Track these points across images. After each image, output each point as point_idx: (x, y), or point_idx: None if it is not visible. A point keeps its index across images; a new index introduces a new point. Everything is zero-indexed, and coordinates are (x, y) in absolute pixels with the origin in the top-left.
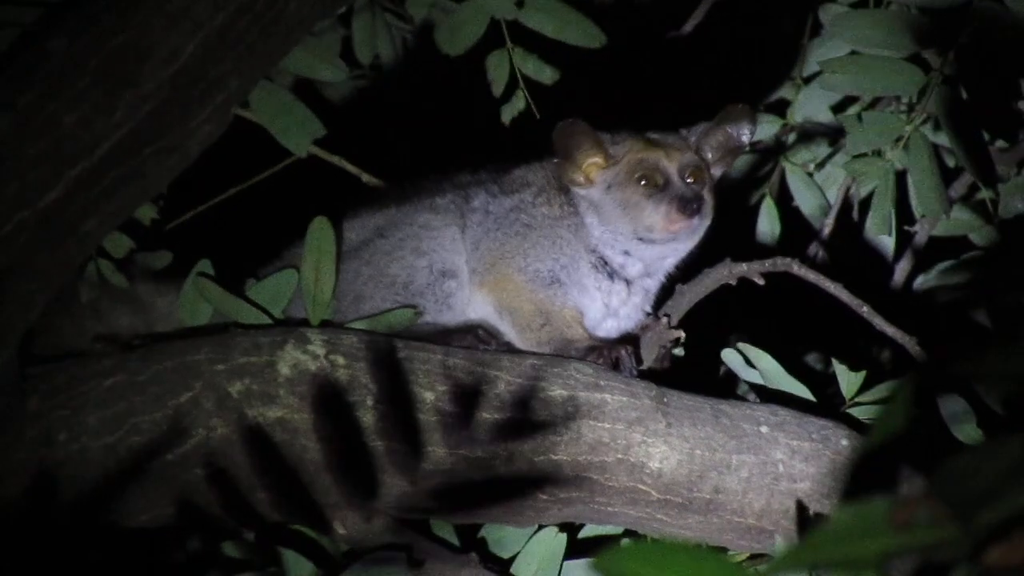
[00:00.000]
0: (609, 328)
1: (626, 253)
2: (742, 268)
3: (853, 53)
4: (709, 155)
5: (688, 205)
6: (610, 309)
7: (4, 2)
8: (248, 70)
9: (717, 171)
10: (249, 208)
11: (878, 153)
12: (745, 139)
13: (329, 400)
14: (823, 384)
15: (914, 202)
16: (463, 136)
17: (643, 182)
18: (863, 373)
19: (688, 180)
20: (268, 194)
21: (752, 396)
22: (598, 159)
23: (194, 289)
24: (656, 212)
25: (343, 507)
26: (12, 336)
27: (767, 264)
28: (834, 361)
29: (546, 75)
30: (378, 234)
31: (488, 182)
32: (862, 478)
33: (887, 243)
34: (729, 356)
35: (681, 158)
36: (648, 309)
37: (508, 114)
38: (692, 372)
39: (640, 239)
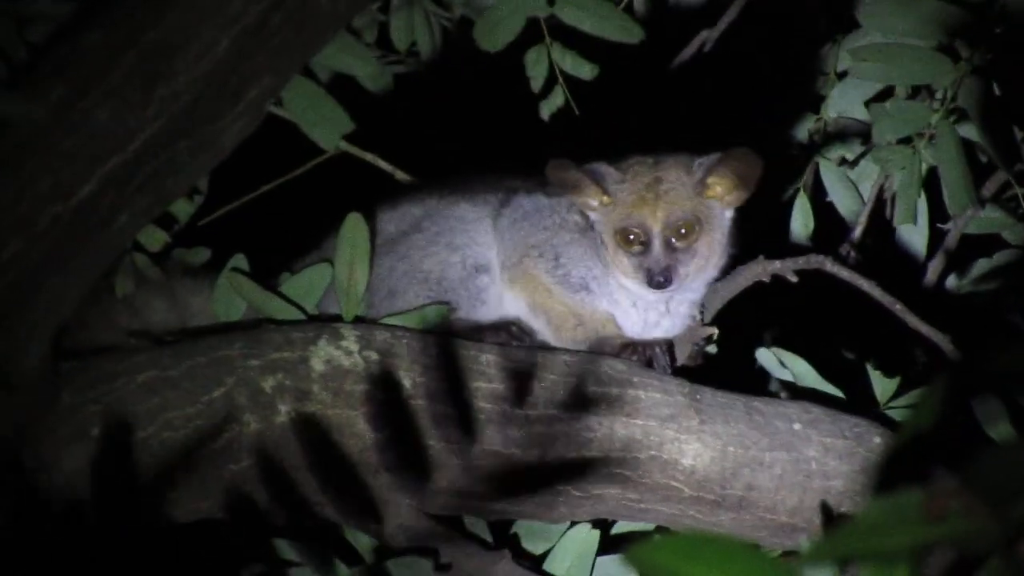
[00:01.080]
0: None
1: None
2: (775, 265)
3: (885, 43)
4: (719, 188)
5: (654, 279)
6: (649, 324)
7: None
8: (281, 66)
9: (733, 199)
10: (285, 204)
11: (908, 144)
12: (751, 178)
13: (363, 396)
14: (857, 384)
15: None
16: (502, 128)
17: (625, 240)
18: (897, 379)
19: (672, 240)
20: (304, 190)
21: (784, 394)
22: (598, 197)
23: (227, 284)
24: (634, 272)
25: (379, 503)
26: (46, 331)
27: (800, 261)
28: (868, 366)
29: (585, 71)
30: (413, 228)
31: (528, 183)
32: (894, 474)
33: (919, 241)
34: (763, 356)
35: (669, 214)
36: (696, 314)
37: (547, 110)
38: (726, 369)
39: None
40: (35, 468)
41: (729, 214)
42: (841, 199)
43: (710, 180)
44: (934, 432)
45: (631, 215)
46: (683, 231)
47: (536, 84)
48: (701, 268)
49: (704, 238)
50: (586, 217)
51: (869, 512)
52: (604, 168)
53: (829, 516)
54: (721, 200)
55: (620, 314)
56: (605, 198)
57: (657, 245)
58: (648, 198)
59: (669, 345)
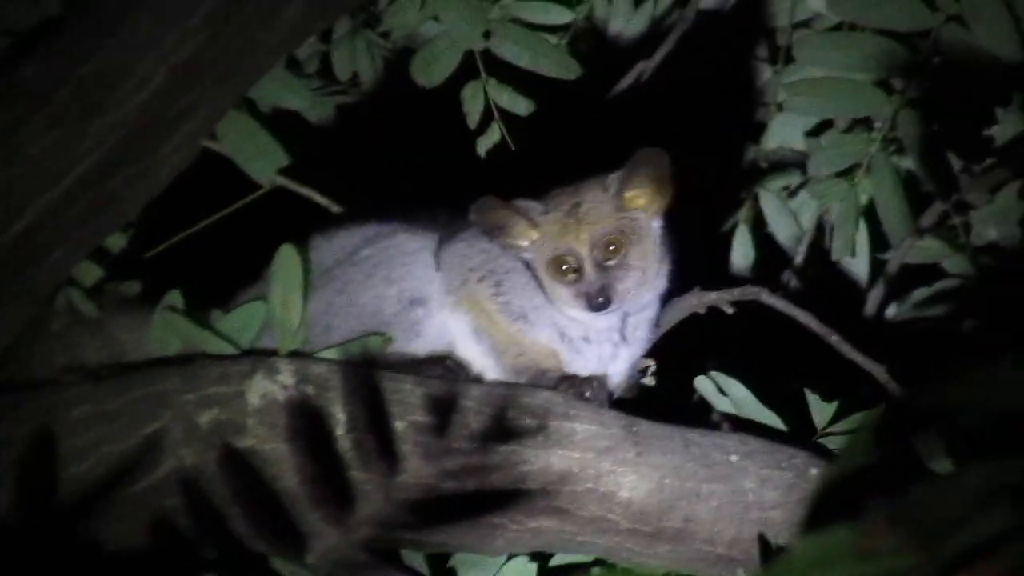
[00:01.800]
0: (615, 372)
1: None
2: (711, 297)
3: (818, 77)
4: (640, 199)
5: (593, 301)
6: (604, 357)
7: None
8: (217, 98)
9: (656, 206)
10: (225, 235)
11: (847, 175)
12: (664, 176)
13: (299, 430)
14: (797, 412)
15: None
16: (444, 155)
17: (559, 272)
18: (835, 404)
19: (602, 258)
20: (243, 221)
21: (725, 425)
22: (530, 230)
23: (162, 322)
24: (574, 300)
25: (314, 536)
26: None
27: (736, 293)
28: (807, 391)
29: (521, 107)
30: (351, 261)
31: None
32: (828, 507)
33: (861, 270)
34: (702, 384)
35: (592, 233)
36: (651, 337)
37: (483, 146)
38: (664, 401)
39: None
40: None
41: (657, 224)
42: (781, 229)
43: (628, 193)
44: (870, 465)
45: (558, 244)
46: (611, 248)
47: (472, 120)
48: (640, 281)
49: (634, 250)
50: (522, 260)
51: (801, 548)
52: (527, 203)
53: (767, 548)
54: (646, 211)
55: (573, 351)
56: (534, 234)
57: (588, 268)
58: (570, 224)
59: (605, 379)
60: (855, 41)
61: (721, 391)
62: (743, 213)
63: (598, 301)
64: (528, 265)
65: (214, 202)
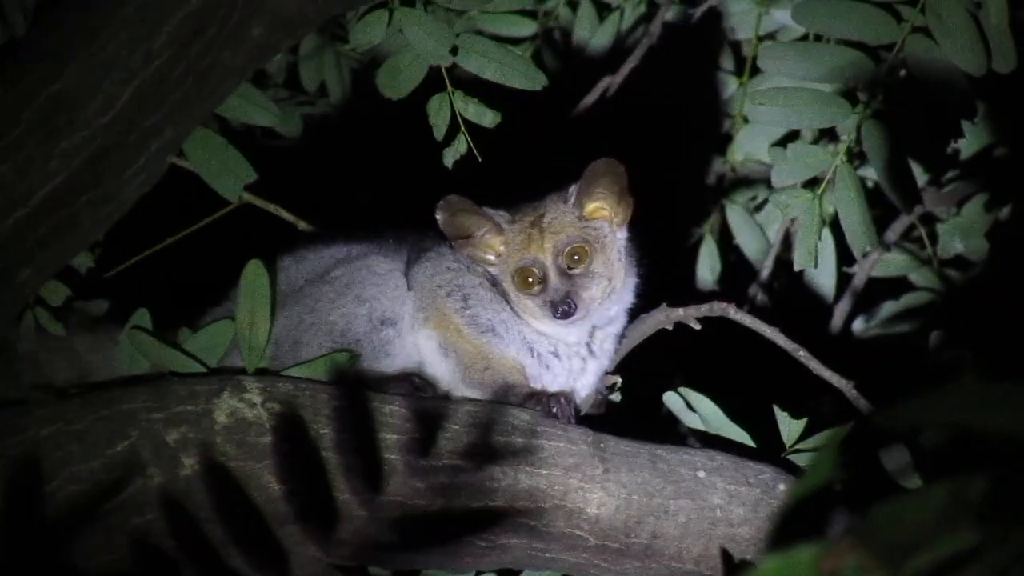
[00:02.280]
0: (583, 386)
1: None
2: (678, 313)
3: (782, 87)
4: (603, 210)
5: (557, 308)
6: (574, 371)
7: None
8: (183, 118)
9: (620, 216)
10: (193, 252)
11: (811, 187)
12: (618, 187)
13: (266, 448)
14: (766, 427)
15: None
16: (412, 166)
17: (524, 283)
18: (803, 420)
19: (566, 267)
20: (212, 238)
21: (692, 440)
22: (495, 240)
23: (130, 341)
24: (540, 311)
25: (283, 554)
26: None
27: (703, 309)
28: (775, 408)
29: (487, 119)
30: (322, 279)
31: (436, 232)
32: (793, 525)
33: (828, 283)
34: (670, 400)
35: (556, 242)
36: (616, 349)
37: (450, 158)
38: (632, 417)
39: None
40: None
41: (622, 235)
42: (747, 242)
43: (589, 204)
44: (836, 483)
45: (523, 256)
46: (575, 256)
47: (439, 132)
48: (605, 290)
49: (598, 258)
50: (488, 274)
51: (766, 566)
52: (494, 211)
53: (732, 565)
54: (610, 222)
55: (542, 365)
56: (500, 247)
57: (552, 276)
58: (534, 234)
59: (572, 395)
60: (820, 52)
61: (690, 407)
62: (709, 225)
63: (563, 308)
64: (495, 281)
65: (181, 219)
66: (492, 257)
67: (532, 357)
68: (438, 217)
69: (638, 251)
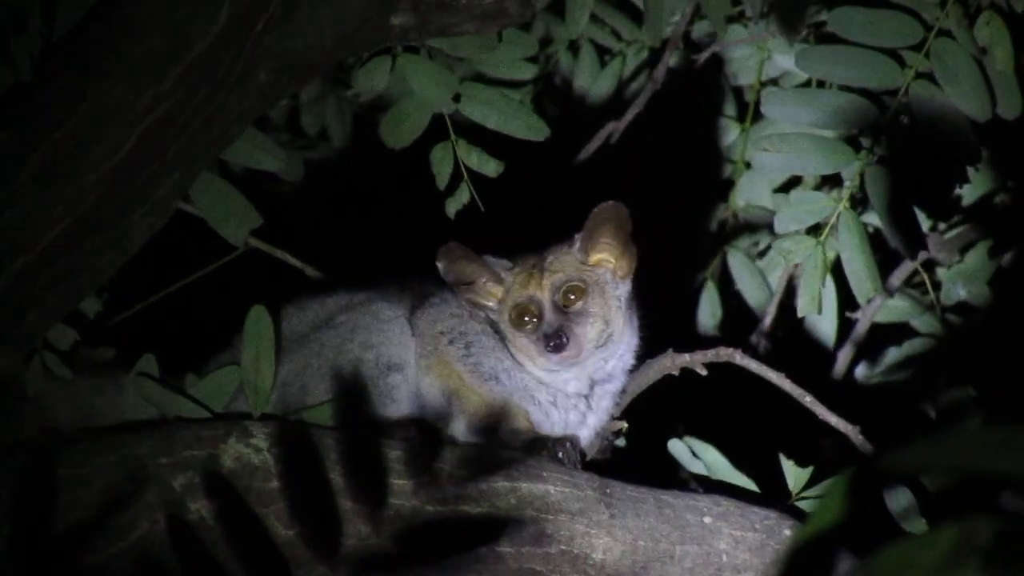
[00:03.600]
0: (584, 436)
1: (549, 371)
2: (685, 359)
3: (786, 133)
4: (608, 260)
5: (549, 341)
6: (571, 424)
7: None
8: (189, 163)
9: (624, 267)
10: (202, 297)
11: (814, 233)
12: (623, 233)
13: (272, 493)
14: (769, 471)
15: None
16: (416, 211)
17: (521, 322)
18: (809, 469)
19: (562, 304)
20: (220, 283)
21: (697, 485)
22: (495, 287)
23: (136, 387)
24: (535, 348)
25: None
26: None
27: (710, 354)
28: (780, 456)
29: (490, 168)
30: (328, 324)
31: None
32: (799, 569)
33: (829, 329)
34: (675, 447)
35: (553, 280)
36: (617, 403)
37: (453, 207)
38: (637, 462)
39: (543, 370)
40: None
41: (624, 287)
42: (748, 288)
43: (595, 253)
44: (841, 525)
45: (521, 294)
46: (571, 295)
47: (442, 181)
48: (601, 333)
49: (595, 299)
50: (489, 320)
51: None
52: (495, 259)
53: None
54: (614, 273)
55: (540, 415)
56: (499, 292)
57: (548, 312)
58: (534, 274)
59: (577, 440)
60: (823, 97)
61: (694, 455)
62: (710, 271)
63: (555, 342)
64: (494, 326)
65: (188, 264)
66: (492, 304)
67: (534, 404)
68: (439, 264)
69: (640, 310)
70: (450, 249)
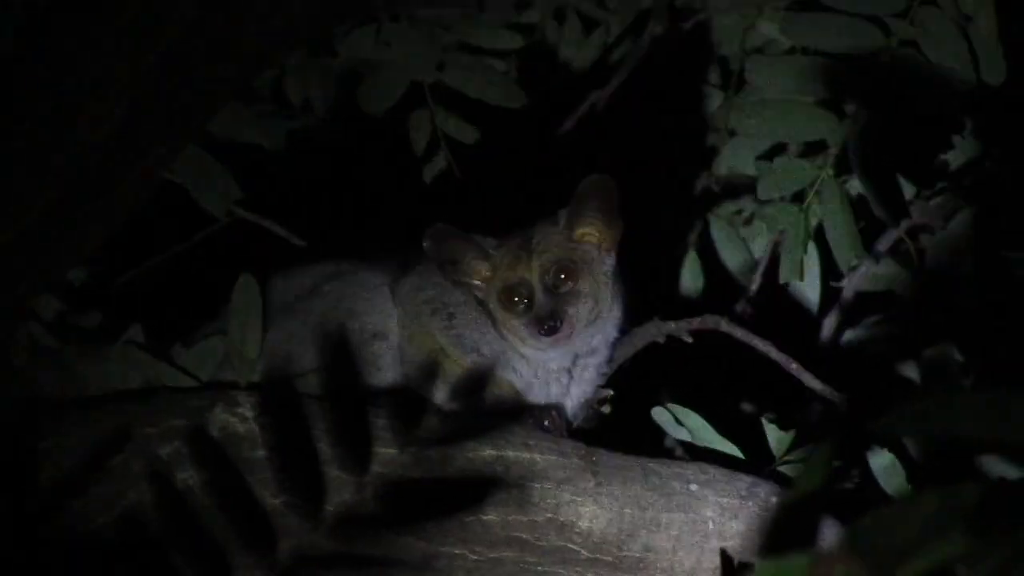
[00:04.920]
0: (568, 407)
1: (537, 350)
2: (670, 326)
3: (770, 100)
4: (592, 235)
5: (543, 325)
6: (553, 396)
7: None
8: (173, 135)
9: (608, 241)
10: (189, 266)
11: (798, 201)
12: (609, 206)
13: (258, 462)
14: (754, 439)
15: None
16: (400, 180)
17: (510, 303)
18: (792, 433)
19: (552, 285)
20: (207, 253)
21: (683, 453)
22: (482, 265)
23: (123, 356)
24: (527, 331)
25: (276, 568)
26: None
27: (695, 322)
28: (764, 420)
29: (468, 135)
30: (314, 294)
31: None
32: (784, 534)
33: (813, 297)
34: (659, 415)
35: (543, 262)
36: (604, 372)
37: (429, 173)
38: (623, 430)
39: (531, 348)
40: None
41: (610, 260)
42: (730, 256)
43: (580, 227)
44: (825, 491)
45: (509, 276)
46: (562, 276)
47: (419, 147)
48: (591, 312)
49: (585, 279)
50: (475, 298)
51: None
52: (481, 237)
53: (730, 568)
54: (598, 246)
55: (522, 386)
56: (486, 271)
57: (539, 295)
58: (522, 255)
59: (563, 409)
60: (807, 64)
61: (678, 421)
62: (692, 239)
63: (549, 325)
64: (480, 303)
65: (176, 234)
66: (478, 281)
67: (515, 376)
68: (425, 245)
69: (624, 283)
70: (437, 230)
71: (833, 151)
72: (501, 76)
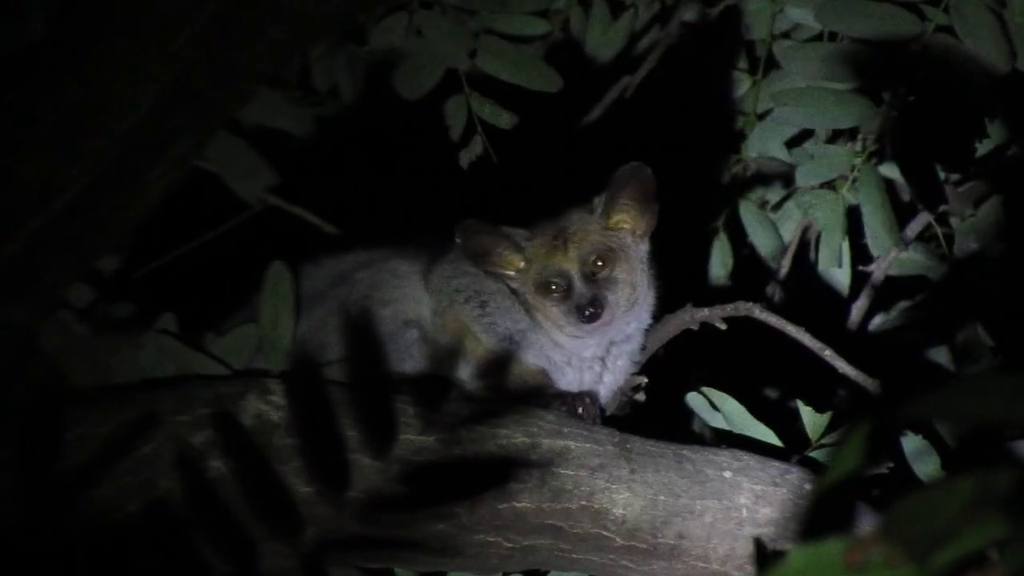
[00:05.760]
0: (602, 395)
1: (573, 338)
2: (704, 313)
3: (807, 87)
4: (626, 222)
5: (583, 312)
6: (586, 384)
7: None
8: (204, 122)
9: (642, 228)
10: (221, 255)
11: (831, 187)
12: (644, 194)
13: (292, 450)
14: (787, 424)
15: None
16: (428, 166)
17: (548, 292)
18: (827, 415)
19: (591, 273)
20: (239, 241)
21: (715, 440)
22: (515, 256)
23: (155, 345)
24: (565, 319)
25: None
26: None
27: (729, 308)
28: (799, 403)
29: (503, 120)
30: (346, 281)
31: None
32: (819, 519)
33: (843, 281)
34: (693, 400)
35: (580, 250)
36: (636, 360)
37: (466, 159)
38: (656, 416)
39: (568, 336)
40: None
41: (644, 247)
42: (761, 240)
43: (614, 215)
44: (859, 476)
45: (546, 267)
46: (600, 263)
47: (455, 132)
48: (629, 297)
49: (622, 266)
50: (508, 287)
51: (791, 562)
52: (513, 229)
53: (764, 555)
54: (632, 233)
55: (558, 372)
56: (520, 262)
57: (578, 283)
58: (558, 245)
59: (597, 396)
60: (841, 50)
61: (713, 407)
62: (721, 222)
63: (589, 311)
64: (514, 292)
65: (207, 222)
66: (512, 272)
67: (549, 364)
68: (457, 241)
69: (656, 268)
70: (468, 226)
71: (868, 137)
72: (536, 60)
